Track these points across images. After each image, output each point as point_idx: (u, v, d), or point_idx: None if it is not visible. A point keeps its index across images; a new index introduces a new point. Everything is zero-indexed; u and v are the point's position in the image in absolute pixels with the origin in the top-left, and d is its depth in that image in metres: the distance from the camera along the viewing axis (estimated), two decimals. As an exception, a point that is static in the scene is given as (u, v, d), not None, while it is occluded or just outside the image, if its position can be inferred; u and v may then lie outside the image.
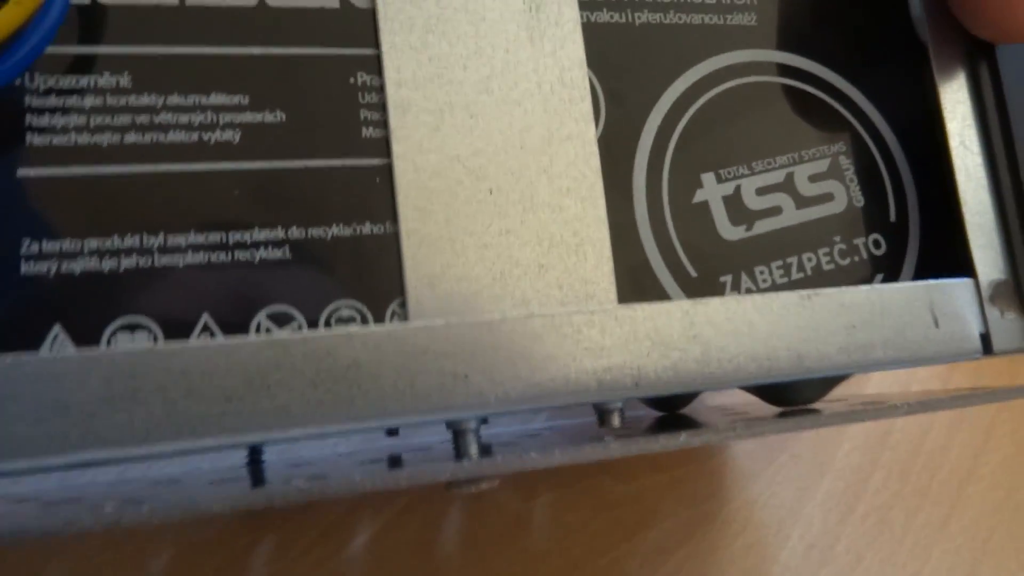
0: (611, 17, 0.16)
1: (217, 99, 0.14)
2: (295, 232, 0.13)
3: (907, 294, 0.15)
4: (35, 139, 0.13)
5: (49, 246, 0.12)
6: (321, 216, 0.14)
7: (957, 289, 0.16)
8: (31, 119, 0.13)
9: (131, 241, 0.13)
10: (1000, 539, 0.30)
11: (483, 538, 0.25)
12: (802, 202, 0.17)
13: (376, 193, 0.14)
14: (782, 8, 0.17)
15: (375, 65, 0.14)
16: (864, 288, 0.15)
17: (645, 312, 0.14)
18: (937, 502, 0.30)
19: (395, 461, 0.18)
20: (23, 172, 0.13)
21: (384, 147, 0.14)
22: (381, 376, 0.13)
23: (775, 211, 0.16)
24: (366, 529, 0.24)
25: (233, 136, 0.14)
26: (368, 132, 0.14)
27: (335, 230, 0.14)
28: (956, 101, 0.17)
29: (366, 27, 0.14)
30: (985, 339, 0.16)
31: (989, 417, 0.32)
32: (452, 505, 0.25)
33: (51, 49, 0.13)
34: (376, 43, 0.14)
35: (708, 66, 0.17)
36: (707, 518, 0.28)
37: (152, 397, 0.12)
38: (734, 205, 0.16)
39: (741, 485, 0.29)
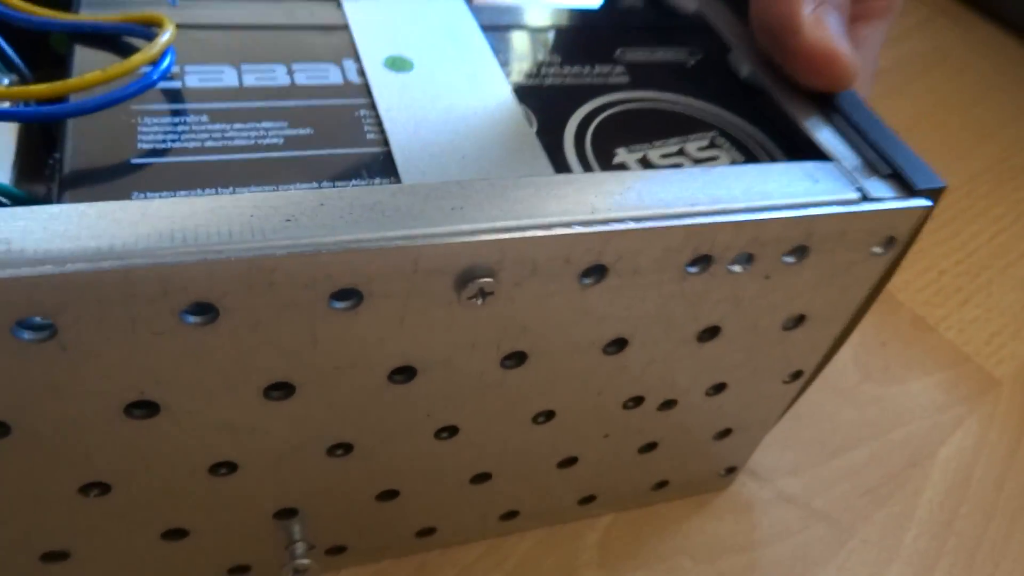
0: (523, 83, 0.24)
1: (266, 124, 0.20)
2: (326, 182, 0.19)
3: (789, 167, 0.20)
4: (144, 143, 0.19)
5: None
6: (343, 176, 0.19)
7: (826, 166, 0.21)
8: (142, 131, 0.19)
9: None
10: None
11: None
12: (695, 162, 0.22)
13: (381, 164, 0.20)
14: (651, 72, 0.25)
15: (372, 106, 0.21)
16: (755, 164, 0.20)
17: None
18: None
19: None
20: (137, 160, 0.19)
21: (384, 141, 0.20)
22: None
23: (676, 167, 0.22)
24: None
25: (277, 140, 0.20)
26: (370, 136, 0.20)
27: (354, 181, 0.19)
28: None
29: (363, 89, 0.22)
30: (862, 192, 0.20)
31: None
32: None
33: (160, 103, 0.20)
34: (370, 98, 0.21)
35: (607, 97, 0.24)
36: None
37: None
38: (644, 164, 0.22)
39: (813, 572, 0.28)
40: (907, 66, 0.56)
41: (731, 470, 0.28)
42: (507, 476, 0.24)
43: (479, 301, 0.17)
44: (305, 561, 0.22)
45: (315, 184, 0.19)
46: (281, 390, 0.18)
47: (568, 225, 0.17)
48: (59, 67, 0.23)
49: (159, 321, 0.15)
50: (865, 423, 0.33)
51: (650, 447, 0.25)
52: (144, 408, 0.17)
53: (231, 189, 0.18)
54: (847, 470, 0.31)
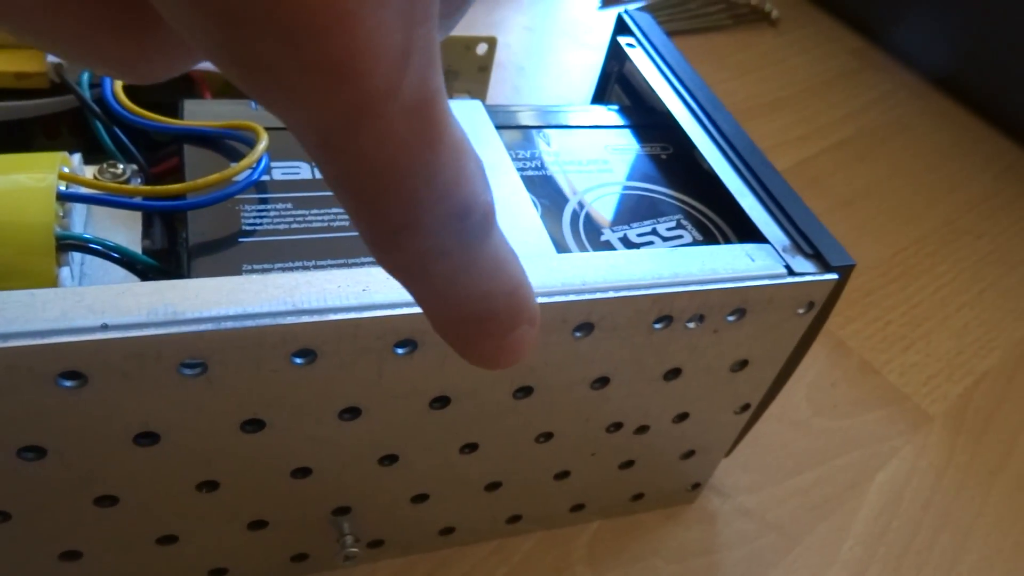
0: (530, 174, 0.30)
1: (335, 209, 0.27)
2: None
3: (732, 248, 0.26)
4: (246, 226, 0.25)
5: (256, 265, 0.24)
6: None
7: (763, 247, 0.27)
8: (244, 217, 0.25)
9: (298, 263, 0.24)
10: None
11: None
12: (664, 240, 0.29)
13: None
14: (632, 164, 0.32)
15: None
16: (707, 246, 0.26)
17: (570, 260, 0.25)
18: None
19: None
20: (243, 240, 0.25)
21: None
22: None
23: (649, 244, 0.28)
24: None
25: (345, 223, 0.26)
26: None
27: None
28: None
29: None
30: (788, 268, 0.26)
31: (969, 520, 0.38)
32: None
33: (256, 194, 0.26)
34: None
35: (596, 187, 0.30)
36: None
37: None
38: (625, 242, 0.28)
39: (765, 572, 0.34)
40: (868, 136, 0.63)
41: (696, 486, 0.34)
42: (514, 485, 0.30)
43: (499, 349, 0.23)
44: (355, 550, 0.28)
45: (375, 258, 0.25)
46: (352, 413, 0.24)
47: (565, 294, 0.23)
48: (153, 151, 0.29)
49: (275, 363, 0.21)
50: (814, 451, 0.39)
51: (628, 464, 0.31)
52: (255, 425, 0.23)
53: (314, 262, 0.25)
54: (797, 490, 0.37)
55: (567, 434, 0.28)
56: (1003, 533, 0.38)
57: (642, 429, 0.29)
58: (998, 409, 0.44)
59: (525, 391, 0.26)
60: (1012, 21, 0.63)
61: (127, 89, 0.29)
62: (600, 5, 0.70)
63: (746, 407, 0.31)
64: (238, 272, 0.24)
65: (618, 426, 0.29)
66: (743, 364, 0.28)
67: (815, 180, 0.57)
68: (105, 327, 0.19)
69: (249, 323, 0.20)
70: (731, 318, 0.26)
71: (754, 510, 0.36)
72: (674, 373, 0.27)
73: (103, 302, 0.20)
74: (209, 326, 0.20)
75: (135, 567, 0.26)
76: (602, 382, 0.26)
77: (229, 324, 0.20)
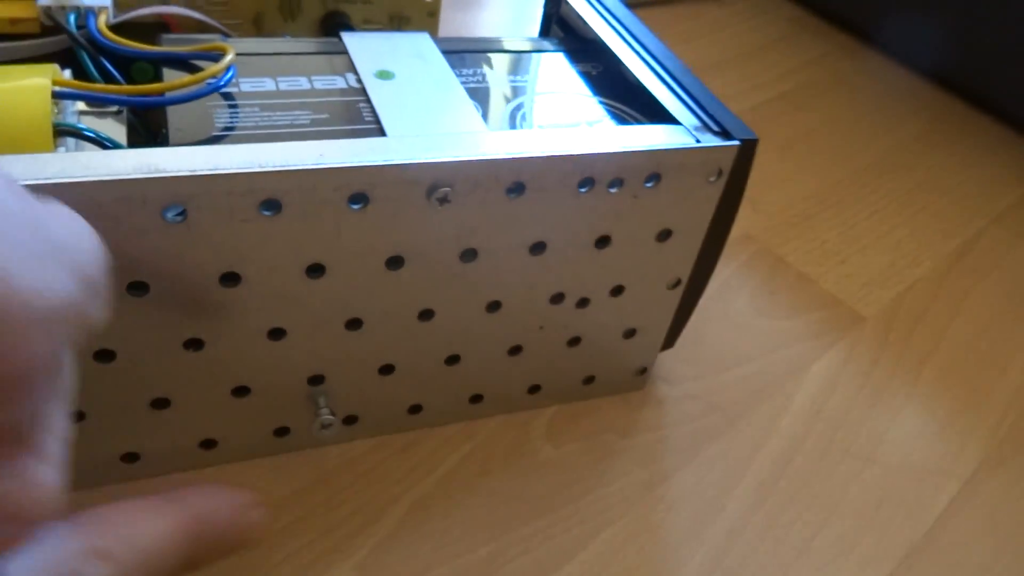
0: (472, 87, 0.34)
1: (296, 112, 0.30)
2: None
3: (649, 127, 0.30)
4: (219, 123, 0.29)
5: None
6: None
7: (676, 127, 0.31)
8: (217, 116, 0.29)
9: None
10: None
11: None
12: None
13: (377, 135, 0.30)
14: (566, 77, 0.35)
15: (368, 102, 0.31)
16: (625, 125, 0.30)
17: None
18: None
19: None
20: (215, 134, 0.28)
21: (377, 121, 0.30)
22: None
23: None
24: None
25: (306, 122, 0.30)
26: (367, 119, 0.30)
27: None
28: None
29: (361, 92, 0.32)
30: (696, 140, 0.30)
31: (899, 401, 0.41)
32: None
33: (227, 100, 0.30)
34: (367, 97, 0.31)
35: (531, 96, 0.34)
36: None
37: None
38: (557, 133, 0.32)
39: (709, 444, 0.37)
40: (807, 89, 0.67)
41: (643, 371, 0.38)
42: (472, 360, 0.33)
43: (441, 205, 0.27)
44: (331, 418, 0.31)
45: (333, 145, 0.29)
46: (317, 271, 0.27)
47: (497, 155, 0.27)
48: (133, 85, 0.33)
49: (246, 212, 0.24)
50: (756, 346, 0.43)
51: (576, 341, 0.34)
52: (232, 280, 0.26)
53: (278, 149, 0.28)
54: (739, 378, 0.41)
55: (514, 304, 0.32)
56: (930, 412, 0.41)
57: (583, 302, 0.33)
58: (927, 310, 0.48)
59: (470, 254, 0.29)
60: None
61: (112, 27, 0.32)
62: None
63: (678, 283, 0.34)
64: (212, 157, 0.27)
65: (560, 297, 0.32)
66: (667, 234, 0.32)
67: (756, 127, 0.61)
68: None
69: (221, 171, 0.24)
70: (648, 184, 0.30)
71: (699, 395, 0.39)
72: (604, 241, 0.31)
73: (98, 161, 0.23)
74: (187, 173, 0.23)
75: (129, 434, 0.29)
76: (540, 248, 0.30)
77: (203, 171, 0.23)
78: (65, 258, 0.17)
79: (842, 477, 0.37)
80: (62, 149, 0.26)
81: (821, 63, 0.71)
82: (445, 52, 0.36)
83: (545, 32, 0.44)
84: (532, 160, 0.27)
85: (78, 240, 0.18)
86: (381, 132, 0.30)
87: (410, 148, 0.26)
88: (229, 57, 0.30)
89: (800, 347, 0.43)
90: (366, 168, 0.25)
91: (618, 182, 0.29)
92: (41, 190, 0.22)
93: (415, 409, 0.34)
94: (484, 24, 0.67)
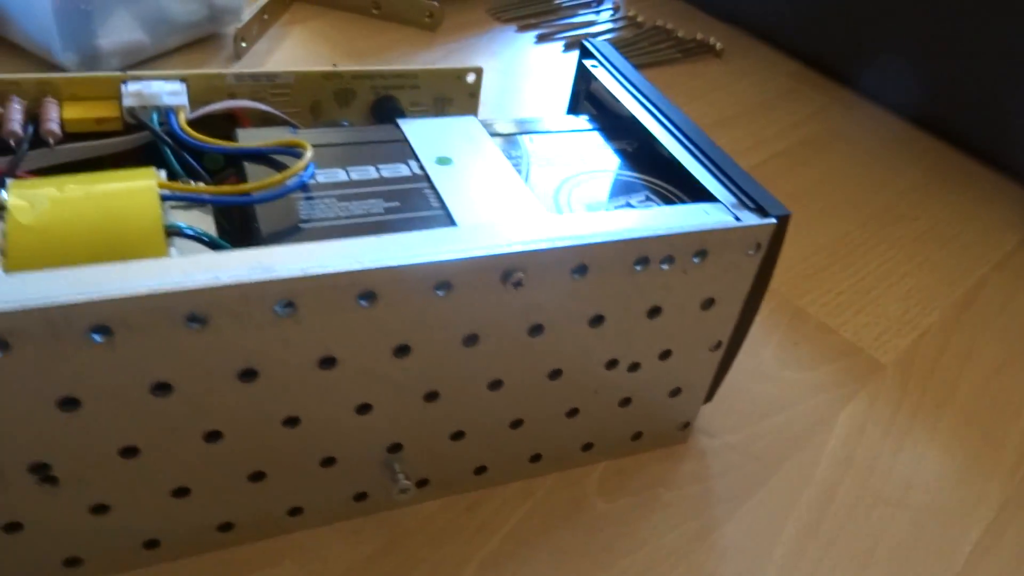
0: (521, 169, 0.37)
1: (371, 201, 0.33)
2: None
3: (692, 207, 0.33)
4: (303, 215, 0.31)
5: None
6: (425, 228, 0.32)
7: (715, 205, 0.34)
8: (301, 208, 0.32)
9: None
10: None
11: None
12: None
13: (445, 219, 0.32)
14: (605, 155, 0.38)
15: (432, 187, 0.34)
16: (671, 206, 0.33)
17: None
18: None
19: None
20: (302, 225, 0.31)
21: (443, 205, 0.33)
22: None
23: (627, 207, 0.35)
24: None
25: (379, 210, 0.33)
26: (434, 204, 0.33)
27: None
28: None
29: (424, 177, 0.35)
30: (736, 217, 0.33)
31: (923, 444, 0.44)
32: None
33: (308, 192, 0.32)
34: (431, 183, 0.34)
35: (577, 174, 0.37)
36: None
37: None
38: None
39: (750, 491, 0.40)
40: (808, 145, 0.71)
41: (686, 425, 0.40)
42: (534, 422, 0.35)
43: (516, 288, 0.29)
44: (408, 483, 0.33)
45: (409, 233, 0.32)
46: (403, 351, 0.30)
47: (564, 241, 0.30)
48: (213, 176, 0.36)
49: (346, 303, 0.27)
50: (785, 397, 0.45)
51: (626, 402, 0.37)
52: (329, 363, 0.29)
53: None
54: (773, 427, 0.43)
55: (573, 370, 0.34)
56: (952, 456, 0.44)
57: (634, 367, 0.36)
58: (942, 356, 0.50)
59: (537, 329, 0.32)
60: (904, 20, 0.72)
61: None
62: (563, 49, 0.78)
63: (718, 345, 0.37)
64: (303, 249, 0.30)
65: (614, 363, 0.35)
66: (711, 302, 0.35)
67: (765, 182, 0.64)
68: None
69: (328, 270, 0.26)
70: (696, 259, 0.33)
71: (738, 445, 0.42)
72: (655, 312, 0.34)
73: (216, 263, 0.26)
74: (299, 274, 0.26)
75: (225, 505, 0.32)
76: (598, 320, 0.33)
77: (313, 272, 0.26)
78: None
79: (876, 522, 0.40)
80: (173, 251, 0.29)
81: (819, 116, 0.75)
82: (492, 135, 0.39)
83: (574, 107, 0.47)
84: (596, 245, 0.30)
85: None
86: (448, 217, 0.33)
87: (485, 237, 0.29)
88: (309, 154, 0.33)
89: (827, 396, 0.46)
90: (448, 263, 0.28)
91: (669, 259, 0.32)
92: (173, 298, 0.24)
93: (480, 470, 0.36)
94: (517, 99, 0.70)
